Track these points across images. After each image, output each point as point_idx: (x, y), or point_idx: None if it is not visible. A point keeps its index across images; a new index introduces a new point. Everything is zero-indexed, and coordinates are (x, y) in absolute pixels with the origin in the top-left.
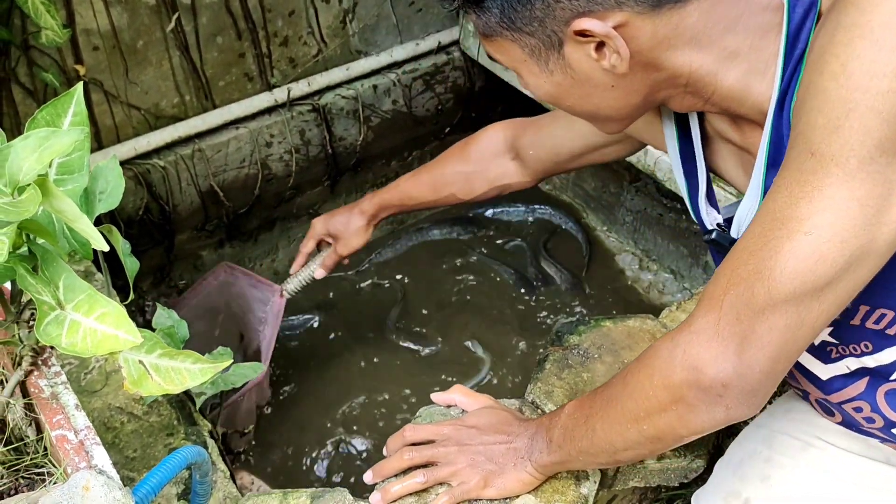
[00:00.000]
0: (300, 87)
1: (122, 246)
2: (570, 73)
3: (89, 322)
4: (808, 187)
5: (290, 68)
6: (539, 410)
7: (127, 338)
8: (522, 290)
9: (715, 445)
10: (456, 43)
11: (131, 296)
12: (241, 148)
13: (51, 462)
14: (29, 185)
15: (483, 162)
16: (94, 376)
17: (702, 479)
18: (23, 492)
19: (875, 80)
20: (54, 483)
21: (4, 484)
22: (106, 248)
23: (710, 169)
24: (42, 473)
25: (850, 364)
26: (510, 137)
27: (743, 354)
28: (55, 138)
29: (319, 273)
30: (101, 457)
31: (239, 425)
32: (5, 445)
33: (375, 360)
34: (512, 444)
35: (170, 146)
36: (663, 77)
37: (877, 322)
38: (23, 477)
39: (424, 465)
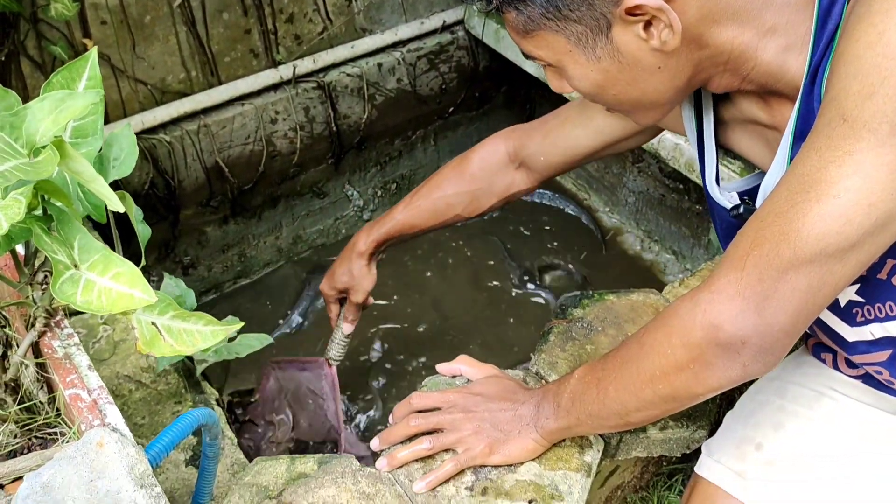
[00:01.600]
0: (305, 65)
1: (135, 213)
2: (617, 57)
3: (104, 281)
4: (839, 151)
5: (295, 45)
6: (543, 381)
7: (142, 297)
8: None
9: (717, 419)
10: (461, 22)
11: (143, 262)
12: (246, 124)
13: (64, 422)
14: (45, 146)
15: (487, 178)
16: (102, 345)
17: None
18: (36, 450)
19: None
20: (67, 441)
21: (18, 443)
22: (122, 210)
23: (725, 149)
24: (55, 433)
25: (874, 331)
26: (513, 148)
27: (763, 312)
28: (71, 100)
29: (347, 328)
30: (115, 415)
31: None
32: (18, 405)
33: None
34: (517, 411)
35: (176, 121)
36: (707, 55)
37: None
38: (36, 436)
39: (430, 432)
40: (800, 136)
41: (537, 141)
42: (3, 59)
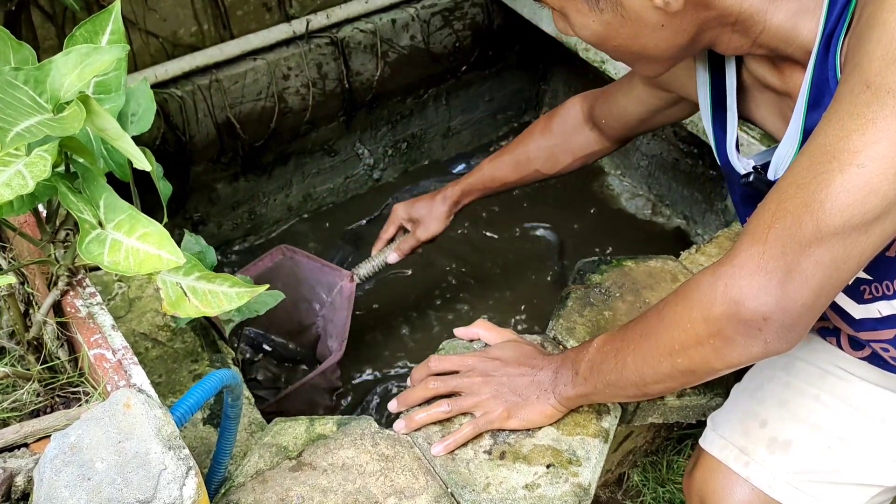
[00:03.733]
0: (319, 20)
1: (156, 169)
2: (620, 10)
3: (131, 241)
4: (862, 119)
5: None
6: (561, 346)
7: (170, 258)
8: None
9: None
10: None
11: (164, 219)
12: (258, 80)
13: (87, 381)
14: (70, 101)
15: (565, 135)
16: (118, 303)
17: None
18: (59, 409)
19: None
20: (89, 401)
21: (41, 402)
22: (149, 168)
23: (743, 118)
24: (77, 392)
25: (881, 308)
26: (587, 108)
27: (786, 287)
28: (96, 55)
29: (393, 257)
30: (140, 376)
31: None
32: (41, 364)
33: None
34: (535, 376)
35: (187, 75)
36: (713, 15)
37: None
38: (58, 396)
39: (448, 396)
40: (813, 104)
41: (601, 104)
42: (13, 8)
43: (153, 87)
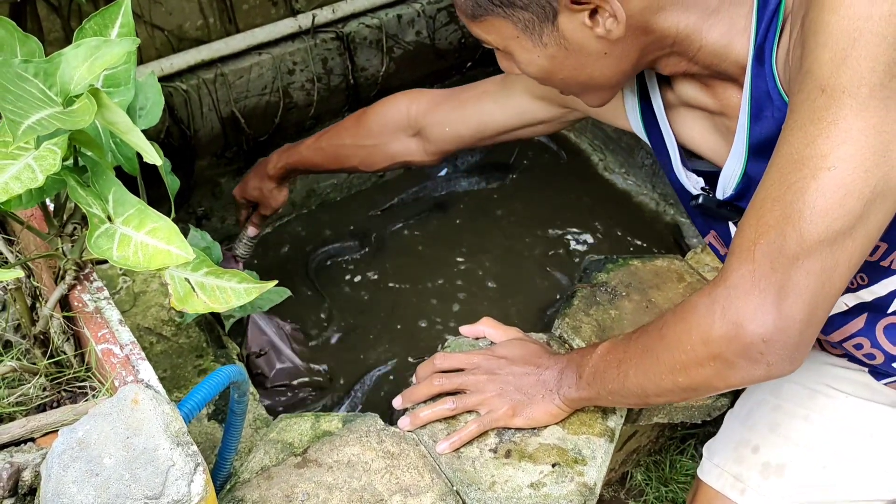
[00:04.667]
0: (324, 14)
1: (165, 164)
2: (564, 43)
3: (140, 236)
4: (823, 123)
5: None
6: (567, 345)
7: (179, 253)
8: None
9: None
10: None
11: (172, 214)
12: (263, 74)
13: (94, 376)
14: (80, 94)
15: (383, 136)
16: (123, 297)
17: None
18: (65, 404)
19: (875, 5)
20: (96, 396)
21: (48, 396)
22: (159, 162)
23: (679, 142)
24: (83, 387)
25: (847, 301)
26: (415, 113)
27: (781, 305)
28: (106, 48)
29: (252, 231)
30: (147, 371)
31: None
32: (48, 359)
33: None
34: (541, 375)
35: (192, 69)
36: (652, 39)
37: (871, 254)
38: (65, 390)
39: (453, 393)
40: (755, 116)
41: (445, 111)
42: (18, 0)
43: (159, 80)
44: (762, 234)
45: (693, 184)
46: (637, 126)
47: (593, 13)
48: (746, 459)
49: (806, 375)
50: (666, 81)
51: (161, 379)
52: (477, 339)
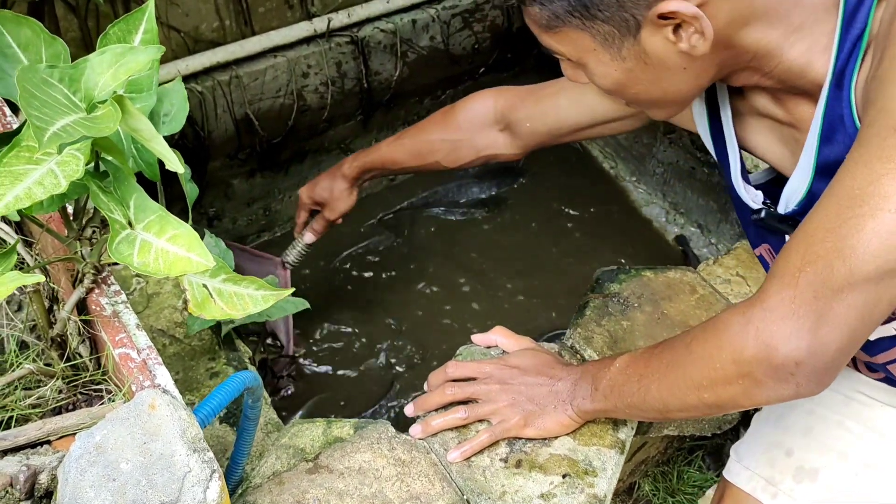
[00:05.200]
0: (339, 18)
1: (185, 171)
2: (643, 58)
3: (161, 243)
4: (892, 164)
5: None
6: (578, 355)
7: (200, 261)
8: None
9: None
10: None
11: (189, 221)
12: (277, 77)
13: (110, 380)
14: (104, 101)
15: (471, 130)
16: (136, 298)
17: (733, 432)
18: (81, 407)
19: None
20: (112, 400)
21: (63, 399)
22: (182, 170)
23: (740, 146)
24: (99, 390)
25: None
26: (501, 108)
27: (818, 332)
28: (131, 55)
29: (309, 237)
30: (164, 377)
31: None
32: (64, 362)
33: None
34: (554, 386)
35: (208, 71)
36: (732, 54)
37: None
38: (81, 393)
39: (465, 402)
40: (826, 138)
41: (528, 106)
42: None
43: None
44: (809, 263)
45: (752, 197)
46: (705, 133)
47: (677, 28)
48: (779, 463)
49: (840, 382)
50: (735, 91)
51: (173, 382)
52: (489, 347)
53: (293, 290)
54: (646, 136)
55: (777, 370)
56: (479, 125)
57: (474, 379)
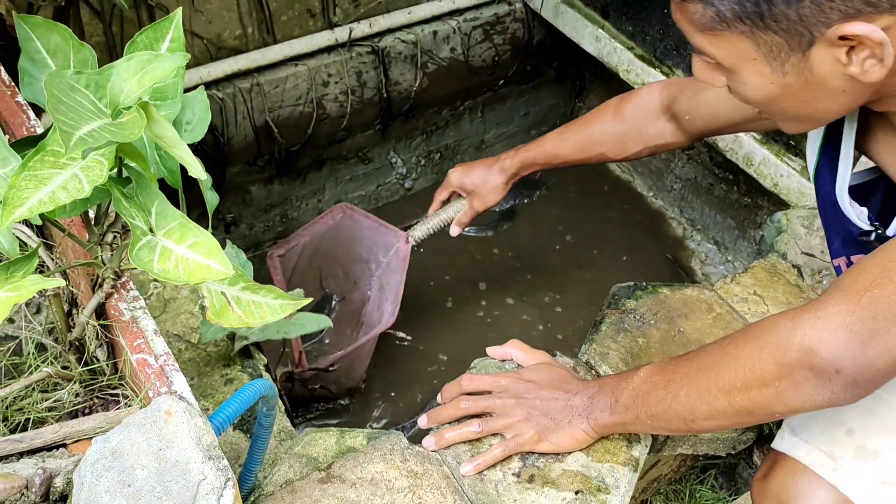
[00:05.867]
0: (361, 28)
1: (206, 179)
2: (805, 75)
3: (181, 250)
4: None
5: (352, 7)
6: (593, 371)
7: (219, 269)
8: None
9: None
10: None
11: (209, 229)
12: (298, 85)
13: (127, 385)
14: (129, 107)
15: (639, 121)
16: (153, 303)
17: (747, 452)
18: (97, 411)
19: None
20: (128, 405)
21: (80, 402)
22: (204, 177)
23: (859, 150)
24: (115, 395)
25: None
26: (667, 98)
27: (867, 348)
28: (157, 62)
29: (454, 230)
30: (181, 383)
31: (345, 382)
32: (82, 366)
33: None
34: (569, 401)
35: (229, 78)
36: (894, 83)
37: None
38: (97, 397)
39: (479, 415)
40: None
41: (687, 98)
42: (63, 3)
43: (196, 88)
44: (879, 285)
45: (857, 213)
46: (814, 143)
47: (851, 49)
48: (839, 440)
49: None
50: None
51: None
52: (504, 360)
53: (311, 300)
54: (665, 152)
55: (818, 374)
56: (647, 116)
57: (489, 392)
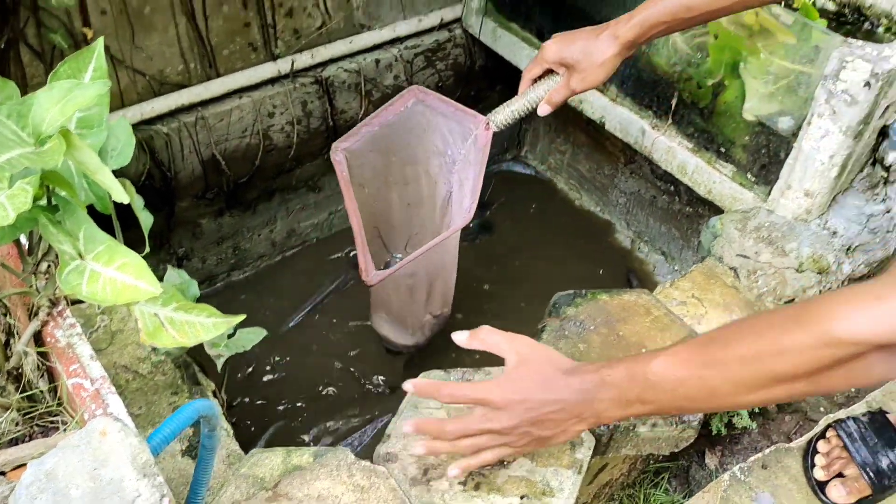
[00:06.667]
0: (303, 59)
1: (137, 200)
2: None
3: (109, 272)
4: None
5: (293, 39)
6: None
7: (147, 288)
8: None
9: (705, 421)
10: (458, 20)
11: (146, 248)
12: (243, 117)
13: (66, 411)
14: (52, 135)
15: None
16: (100, 335)
17: (699, 455)
18: (37, 438)
19: None
20: (69, 430)
21: (20, 431)
22: (127, 200)
23: None
24: (56, 422)
25: None
26: None
27: None
28: (79, 90)
29: (543, 109)
30: (117, 405)
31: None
32: (20, 394)
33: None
34: (565, 406)
35: (173, 113)
36: None
37: None
38: (37, 425)
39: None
40: None
41: None
42: (2, 46)
43: (140, 124)
44: None
45: None
46: None
47: None
48: None
49: None
50: None
51: (136, 416)
52: (472, 350)
53: (244, 316)
54: (607, 167)
55: (889, 352)
56: None
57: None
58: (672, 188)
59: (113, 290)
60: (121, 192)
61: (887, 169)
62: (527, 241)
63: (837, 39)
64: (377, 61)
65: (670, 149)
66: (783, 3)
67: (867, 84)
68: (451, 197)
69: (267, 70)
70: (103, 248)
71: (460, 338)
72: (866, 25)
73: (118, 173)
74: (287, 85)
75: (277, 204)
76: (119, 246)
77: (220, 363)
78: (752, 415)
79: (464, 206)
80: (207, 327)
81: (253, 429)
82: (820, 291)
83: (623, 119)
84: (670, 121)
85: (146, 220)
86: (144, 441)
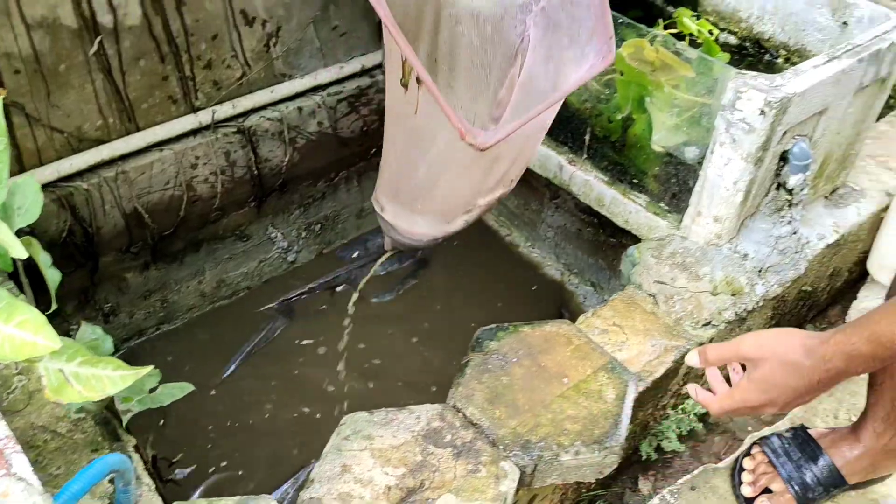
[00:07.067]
0: (225, 110)
1: (42, 258)
2: None
3: (8, 329)
4: None
5: (214, 91)
6: (461, 414)
7: (46, 343)
8: None
9: (631, 447)
10: (379, 66)
11: (53, 305)
12: (165, 170)
13: None
14: None
15: None
16: (17, 395)
17: (632, 482)
18: None
19: None
20: None
21: None
22: (24, 256)
23: None
24: None
25: None
26: None
27: None
28: None
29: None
30: (21, 464)
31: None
32: None
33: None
34: (809, 385)
35: (93, 169)
36: None
37: None
38: None
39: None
40: None
41: None
42: None
43: (59, 181)
44: None
45: None
46: None
47: None
48: None
49: None
50: None
51: (55, 476)
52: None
53: (151, 367)
54: (534, 203)
55: None
56: None
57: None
58: (595, 220)
59: (11, 347)
60: (19, 248)
61: (790, 192)
62: (458, 278)
63: (733, 72)
64: (300, 109)
65: (587, 182)
66: (687, 41)
67: (762, 112)
68: (526, 47)
69: (188, 122)
70: (3, 305)
71: (693, 360)
72: (766, 57)
73: (31, 231)
74: (209, 136)
75: (205, 254)
76: (18, 303)
77: (125, 419)
78: (680, 437)
79: (586, 52)
80: (115, 380)
81: (193, 480)
82: (735, 313)
83: (542, 155)
84: (585, 155)
85: (53, 277)
86: (51, 499)
